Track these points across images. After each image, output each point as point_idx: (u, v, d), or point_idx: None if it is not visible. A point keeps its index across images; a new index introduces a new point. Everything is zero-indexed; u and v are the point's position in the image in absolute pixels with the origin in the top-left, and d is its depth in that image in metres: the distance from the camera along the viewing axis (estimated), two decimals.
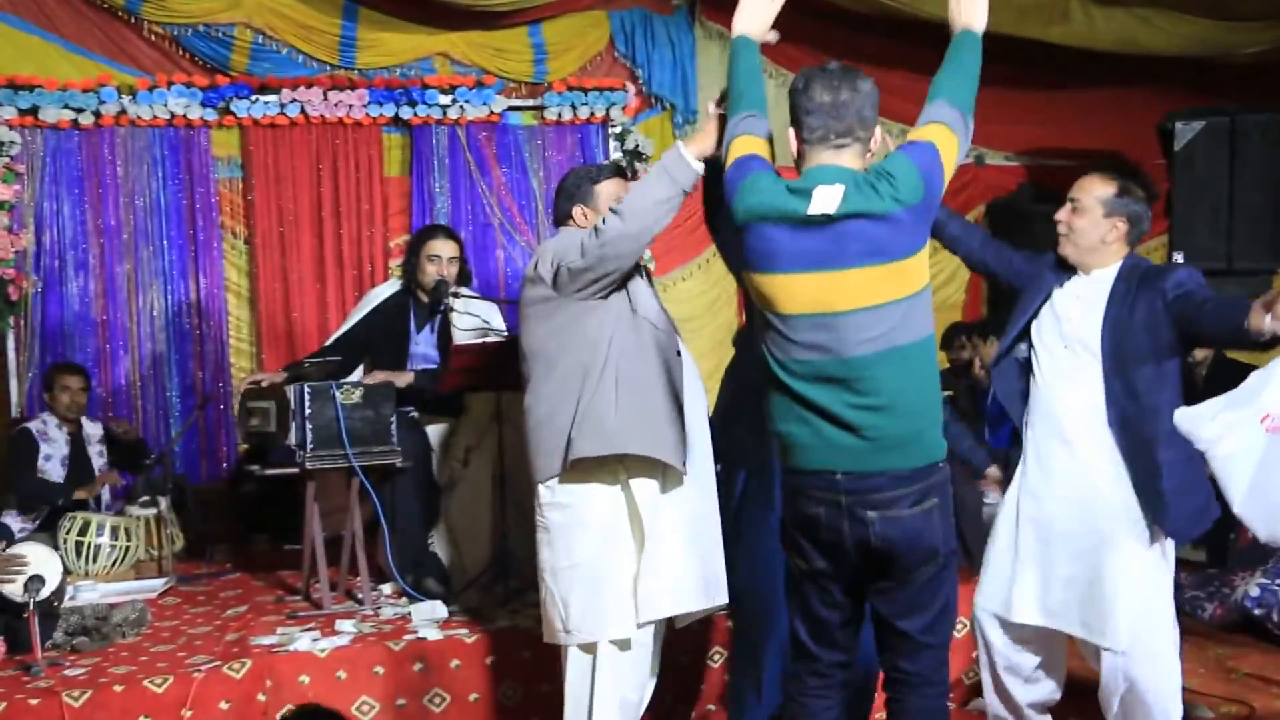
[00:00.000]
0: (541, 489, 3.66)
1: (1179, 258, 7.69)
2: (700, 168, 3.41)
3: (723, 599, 3.74)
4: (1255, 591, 5.59)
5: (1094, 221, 3.76)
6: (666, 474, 3.62)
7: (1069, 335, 3.76)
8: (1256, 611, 5.55)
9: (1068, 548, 3.75)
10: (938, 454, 3.11)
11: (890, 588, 3.16)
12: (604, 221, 3.46)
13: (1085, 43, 8.13)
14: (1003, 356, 3.95)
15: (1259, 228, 7.58)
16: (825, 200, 2.93)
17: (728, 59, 3.34)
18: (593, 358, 3.55)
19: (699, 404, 3.78)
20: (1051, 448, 3.79)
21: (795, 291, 3.00)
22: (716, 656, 4.64)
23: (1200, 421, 3.47)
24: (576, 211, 3.77)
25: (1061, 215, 3.82)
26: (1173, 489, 3.66)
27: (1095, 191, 3.77)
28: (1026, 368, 3.89)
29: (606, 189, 3.77)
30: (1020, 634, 3.89)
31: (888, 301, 2.98)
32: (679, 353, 3.71)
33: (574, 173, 3.95)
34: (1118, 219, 3.74)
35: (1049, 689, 4.03)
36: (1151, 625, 3.75)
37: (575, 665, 3.65)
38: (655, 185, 3.43)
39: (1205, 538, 6.68)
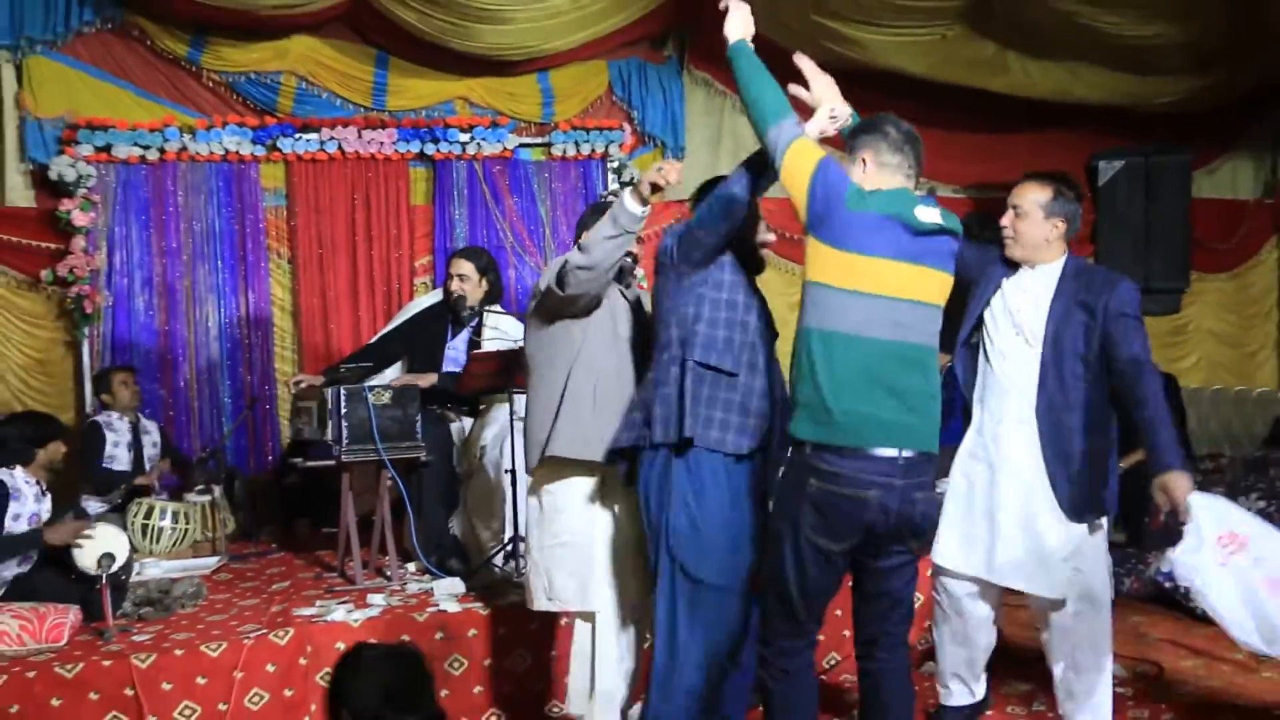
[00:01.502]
0: (532, 476, 3.77)
1: None
2: (642, 212, 3.43)
3: None
4: (1167, 567, 5.61)
5: (1036, 223, 3.77)
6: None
7: (1020, 324, 3.76)
8: (1167, 585, 5.58)
9: (1015, 516, 3.74)
10: None
11: (904, 562, 3.22)
12: (571, 253, 3.52)
13: (1023, 92, 8.15)
14: (962, 345, 3.95)
15: (1171, 253, 7.63)
16: (932, 215, 3.12)
17: (737, 65, 3.34)
18: (572, 369, 3.61)
19: None
20: (1007, 427, 3.76)
21: (896, 276, 3.07)
22: None
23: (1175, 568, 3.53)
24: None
25: (1005, 221, 3.83)
26: (1079, 476, 3.67)
27: (1034, 196, 3.79)
28: (980, 353, 3.89)
29: None
30: (970, 587, 3.90)
31: (941, 304, 3.19)
32: None
33: (592, 207, 4.02)
34: (1056, 219, 3.77)
35: (990, 639, 4.04)
36: (1090, 580, 3.76)
37: (580, 633, 3.75)
38: (606, 226, 3.46)
39: (1125, 522, 6.80)
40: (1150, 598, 5.71)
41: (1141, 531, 6.47)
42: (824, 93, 3.45)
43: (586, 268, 3.45)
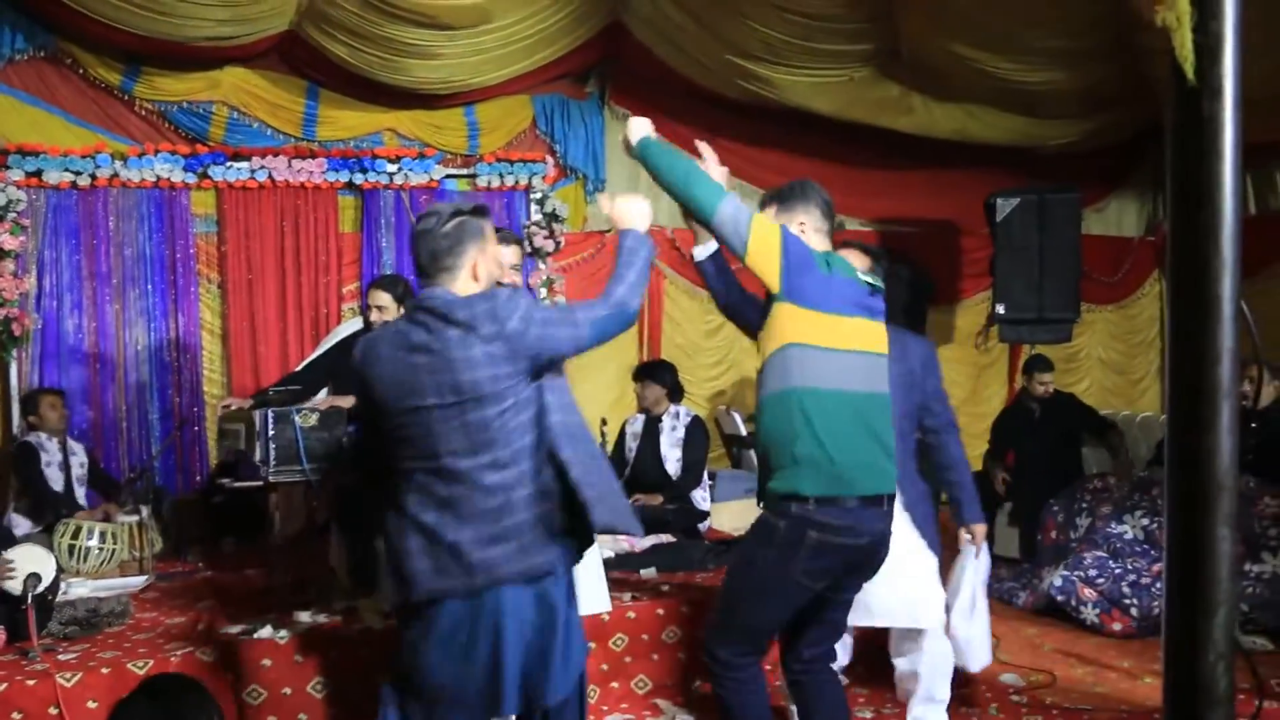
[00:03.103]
0: None
1: (1001, 309, 7.90)
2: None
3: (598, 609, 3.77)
4: (1059, 581, 5.74)
5: None
6: None
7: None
8: (1059, 598, 5.70)
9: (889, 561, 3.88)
10: None
11: (854, 594, 3.36)
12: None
13: (927, 132, 8.30)
14: None
15: (1063, 285, 7.81)
16: (867, 275, 3.30)
17: (650, 158, 3.24)
18: None
19: None
20: None
21: (862, 332, 3.19)
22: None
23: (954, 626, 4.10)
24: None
25: None
26: (915, 519, 3.91)
27: (859, 263, 3.76)
28: None
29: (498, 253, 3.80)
30: None
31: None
32: None
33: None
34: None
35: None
36: (935, 605, 4.01)
37: None
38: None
39: (1020, 541, 6.93)
40: (1043, 610, 5.82)
41: (1035, 549, 6.61)
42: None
43: None
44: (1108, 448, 7.38)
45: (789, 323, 3.11)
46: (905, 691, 4.20)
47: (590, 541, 2.96)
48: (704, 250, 3.49)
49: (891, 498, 3.20)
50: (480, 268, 2.88)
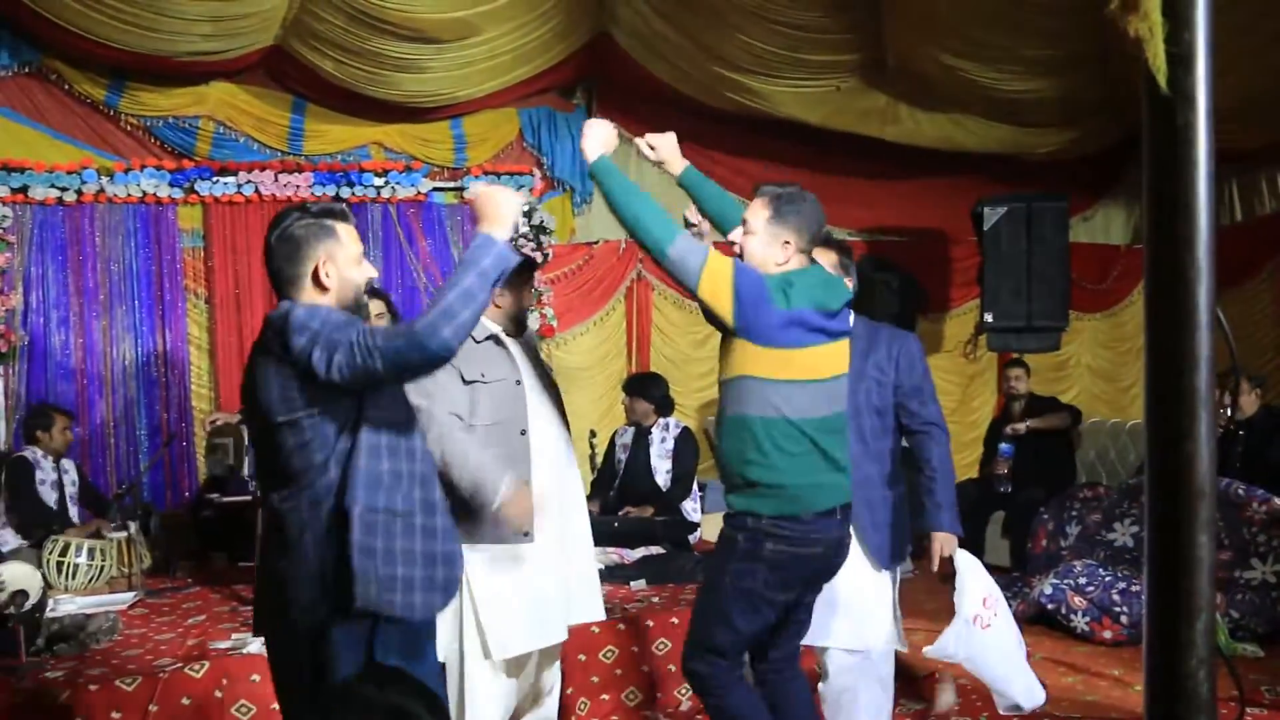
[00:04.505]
0: None
1: (989, 317, 7.92)
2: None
3: (559, 637, 3.67)
4: (1049, 590, 5.74)
5: None
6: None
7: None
8: (1050, 606, 5.70)
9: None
10: None
11: (819, 590, 3.36)
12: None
13: (912, 140, 8.33)
14: None
15: (1051, 293, 7.84)
16: (841, 292, 3.22)
17: (603, 184, 3.23)
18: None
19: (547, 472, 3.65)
20: None
21: (822, 360, 3.16)
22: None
23: (944, 648, 3.65)
24: (494, 291, 3.73)
25: None
26: (877, 523, 3.71)
27: (830, 261, 3.59)
28: None
29: (520, 278, 3.74)
30: None
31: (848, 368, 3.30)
32: (522, 431, 3.58)
33: None
34: (846, 277, 3.65)
35: None
36: (894, 624, 3.82)
37: (450, 685, 3.60)
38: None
39: (1011, 549, 6.96)
40: (1033, 619, 5.82)
41: (1025, 557, 6.63)
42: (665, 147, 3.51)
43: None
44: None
45: (745, 356, 3.12)
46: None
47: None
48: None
49: (846, 506, 3.22)
50: (327, 274, 2.67)
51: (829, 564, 3.25)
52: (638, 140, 3.55)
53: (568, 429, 3.83)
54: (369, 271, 2.77)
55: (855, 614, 3.71)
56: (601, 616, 3.90)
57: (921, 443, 3.80)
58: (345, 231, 2.72)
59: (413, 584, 2.62)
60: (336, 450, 2.57)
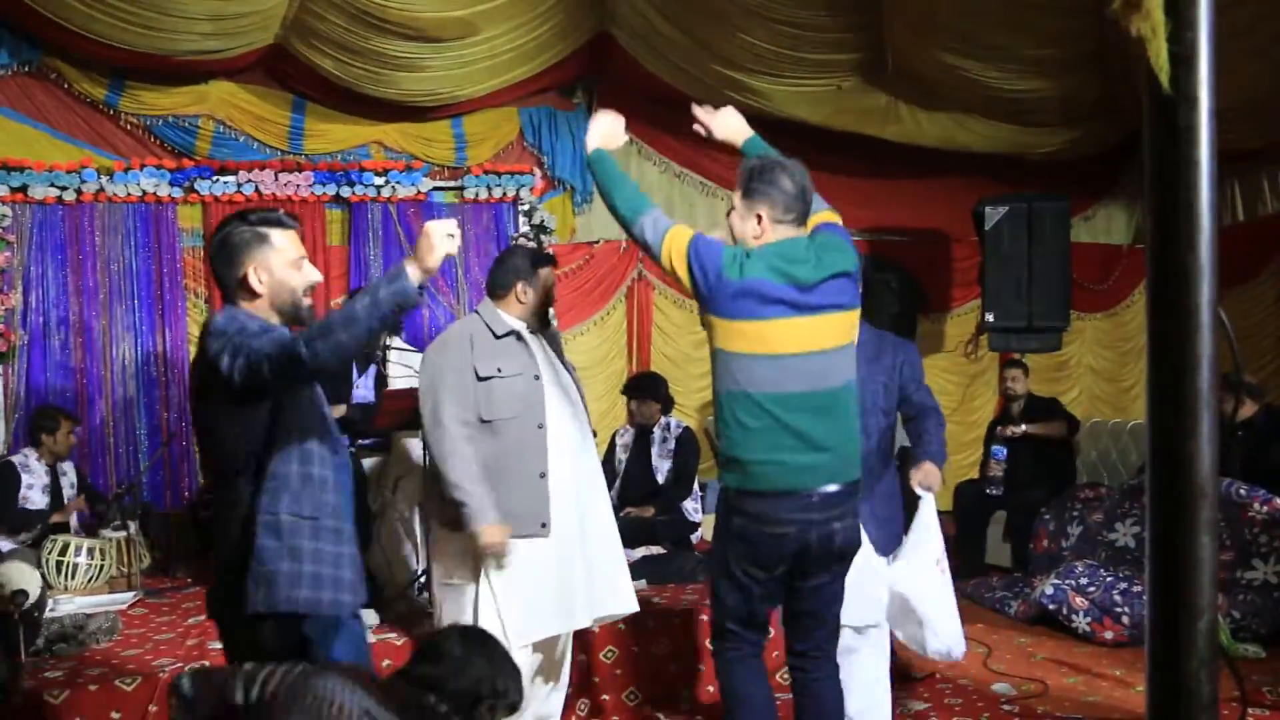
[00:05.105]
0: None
1: (990, 317, 7.91)
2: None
3: (581, 624, 3.79)
4: (1050, 590, 5.74)
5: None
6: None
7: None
8: (1051, 606, 5.70)
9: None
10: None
11: (825, 583, 3.29)
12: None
13: (914, 140, 8.31)
14: None
15: (1052, 293, 7.81)
16: (817, 269, 3.15)
17: (596, 171, 3.37)
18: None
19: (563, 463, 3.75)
20: None
21: (792, 333, 3.13)
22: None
23: (898, 577, 3.86)
24: (519, 287, 3.78)
25: None
26: (876, 517, 3.91)
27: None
28: None
29: (547, 274, 3.83)
30: None
31: (847, 344, 3.24)
32: (540, 425, 3.68)
33: (519, 252, 3.95)
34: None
35: None
36: (881, 606, 3.95)
37: None
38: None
39: (1012, 551, 6.95)
40: (1034, 619, 5.83)
41: (1026, 557, 6.62)
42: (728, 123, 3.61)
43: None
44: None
45: (713, 330, 3.19)
46: None
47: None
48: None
49: (826, 493, 3.16)
50: (259, 280, 2.71)
51: (808, 547, 3.17)
52: (696, 123, 3.61)
53: (589, 422, 3.93)
54: (312, 275, 2.81)
55: (859, 595, 3.76)
56: (634, 609, 3.92)
57: (922, 418, 4.07)
58: (283, 237, 2.77)
59: (320, 581, 2.67)
60: (250, 454, 2.65)
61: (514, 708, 2.52)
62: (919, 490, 3.89)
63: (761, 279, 3.09)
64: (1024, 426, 7.20)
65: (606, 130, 3.43)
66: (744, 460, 3.15)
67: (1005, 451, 7.15)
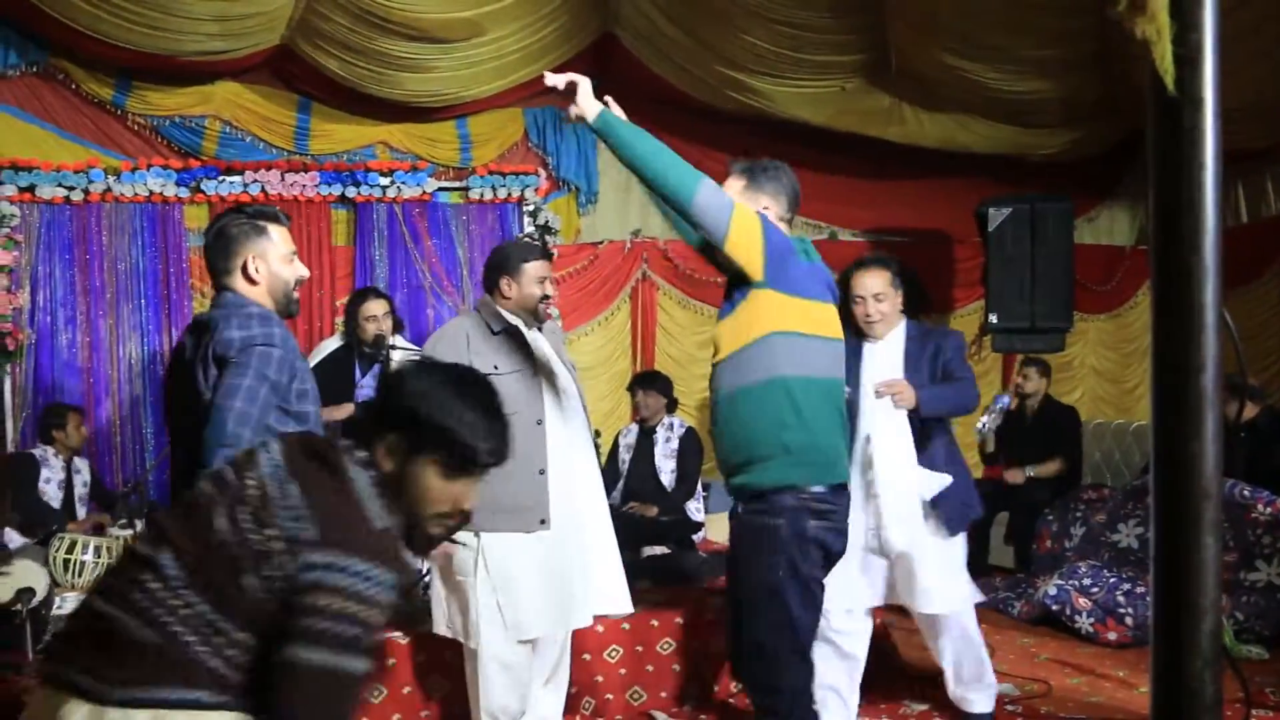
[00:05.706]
0: None
1: (994, 318, 7.89)
2: None
3: (581, 622, 3.82)
4: (1053, 591, 5.74)
5: (895, 302, 4.06)
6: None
7: (882, 391, 3.95)
8: (1054, 607, 5.70)
9: (892, 541, 3.96)
10: None
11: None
12: None
13: (916, 141, 8.30)
14: None
15: (1055, 294, 7.78)
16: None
17: (613, 133, 3.10)
18: None
19: (564, 461, 3.78)
20: (887, 471, 3.98)
21: (831, 318, 3.19)
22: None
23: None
24: (503, 283, 3.80)
25: (869, 310, 4.03)
26: (946, 494, 3.97)
27: (885, 279, 4.04)
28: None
29: (532, 268, 3.80)
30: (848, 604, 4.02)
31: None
32: (538, 422, 3.67)
33: (509, 246, 3.98)
34: (899, 292, 4.07)
35: (865, 649, 4.17)
36: (958, 589, 4.06)
37: (469, 665, 3.78)
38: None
39: (1015, 551, 6.95)
40: (1038, 620, 5.83)
41: (1030, 558, 6.62)
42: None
43: None
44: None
45: (772, 310, 3.02)
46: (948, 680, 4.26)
47: None
48: None
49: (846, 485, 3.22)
50: (257, 270, 2.92)
51: (845, 540, 3.17)
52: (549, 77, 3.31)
53: (588, 420, 3.94)
54: (300, 270, 3.04)
55: (928, 582, 3.95)
56: (629, 610, 3.93)
57: (954, 377, 4.11)
58: (278, 232, 2.97)
59: None
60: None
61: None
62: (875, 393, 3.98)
63: (817, 264, 3.15)
64: (1028, 471, 7.14)
65: (588, 90, 3.14)
66: (823, 449, 3.02)
67: (1008, 400, 7.01)
